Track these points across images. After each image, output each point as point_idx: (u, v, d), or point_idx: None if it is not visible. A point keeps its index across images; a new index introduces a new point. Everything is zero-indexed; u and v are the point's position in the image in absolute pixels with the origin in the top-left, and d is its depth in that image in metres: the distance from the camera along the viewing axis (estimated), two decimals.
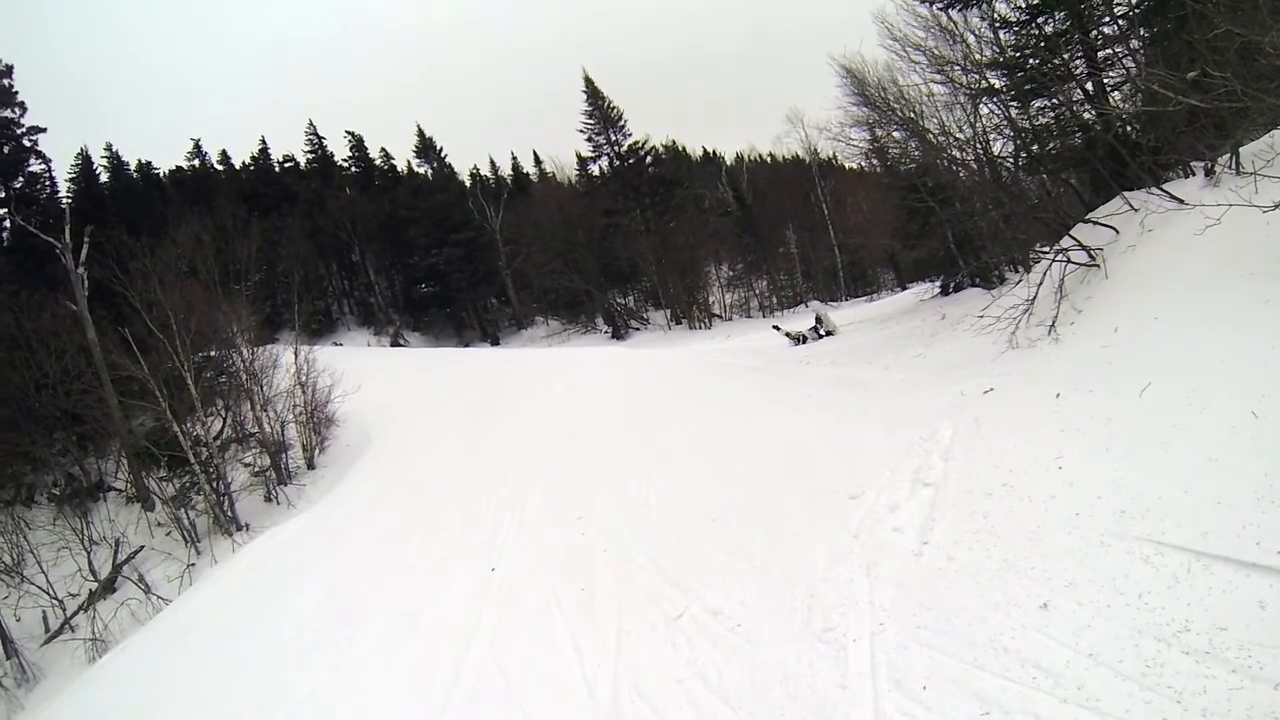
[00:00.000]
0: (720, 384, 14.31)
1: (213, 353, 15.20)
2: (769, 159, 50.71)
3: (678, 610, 6.31)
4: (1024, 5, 13.50)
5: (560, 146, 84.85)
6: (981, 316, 10.22)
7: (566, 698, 5.55)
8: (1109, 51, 12.45)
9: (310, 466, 14.74)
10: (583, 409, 14.07)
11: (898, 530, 6.15)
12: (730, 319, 36.67)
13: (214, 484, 13.51)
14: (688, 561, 7.13)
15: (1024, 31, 13.77)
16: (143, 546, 13.07)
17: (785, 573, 6.23)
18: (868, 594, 5.45)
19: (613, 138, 40.73)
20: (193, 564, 12.31)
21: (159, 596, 11.47)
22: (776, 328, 20.17)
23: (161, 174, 40.63)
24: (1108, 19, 12.37)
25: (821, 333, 18.19)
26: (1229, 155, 8.05)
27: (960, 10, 13.83)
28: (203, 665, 8.22)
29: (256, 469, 14.32)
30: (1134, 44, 11.52)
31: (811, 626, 5.34)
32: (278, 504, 13.78)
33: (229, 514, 13.38)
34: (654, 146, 42.69)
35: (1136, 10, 11.68)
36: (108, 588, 12.10)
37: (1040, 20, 13.54)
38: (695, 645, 5.71)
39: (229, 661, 8.07)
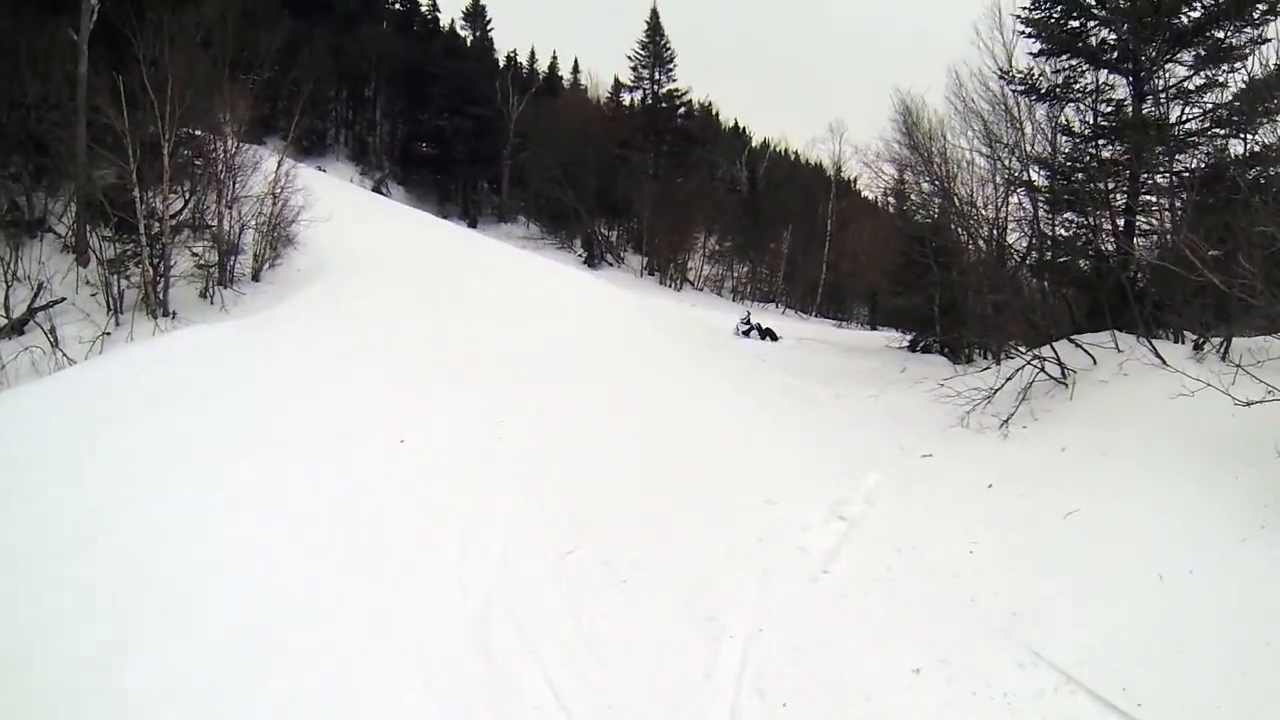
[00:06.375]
0: (675, 353, 14.37)
1: (197, 132, 14.26)
2: (794, 155, 50.56)
3: (570, 547, 6.35)
4: (1092, 122, 13.65)
5: (601, 62, 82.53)
6: (943, 385, 10.47)
7: (443, 591, 5.53)
8: (1151, 199, 12.70)
9: (255, 279, 14.05)
10: (538, 329, 13.85)
11: (803, 550, 6.31)
12: (701, 289, 36.78)
13: (155, 261, 12.82)
14: (593, 506, 7.18)
15: (1082, 145, 13.94)
16: (64, 299, 12.28)
17: (685, 548, 6.32)
18: (756, 597, 5.57)
19: (657, 76, 40.45)
20: (108, 333, 11.65)
21: (65, 354, 10.83)
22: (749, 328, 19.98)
23: None
24: (1163, 169, 12.59)
25: (756, 334, 18.82)
26: (1221, 340, 8.32)
27: (1031, 100, 13.90)
28: (91, 439, 7.58)
29: (202, 261, 13.63)
30: (1177, 202, 11.75)
31: (695, 608, 5.44)
32: (211, 304, 13.13)
33: (160, 297, 12.69)
34: (691, 100, 42.38)
35: (1191, 173, 11.90)
36: (16, 328, 11.35)
37: (1101, 142, 13.73)
38: (577, 587, 5.76)
39: (121, 448, 7.45)
